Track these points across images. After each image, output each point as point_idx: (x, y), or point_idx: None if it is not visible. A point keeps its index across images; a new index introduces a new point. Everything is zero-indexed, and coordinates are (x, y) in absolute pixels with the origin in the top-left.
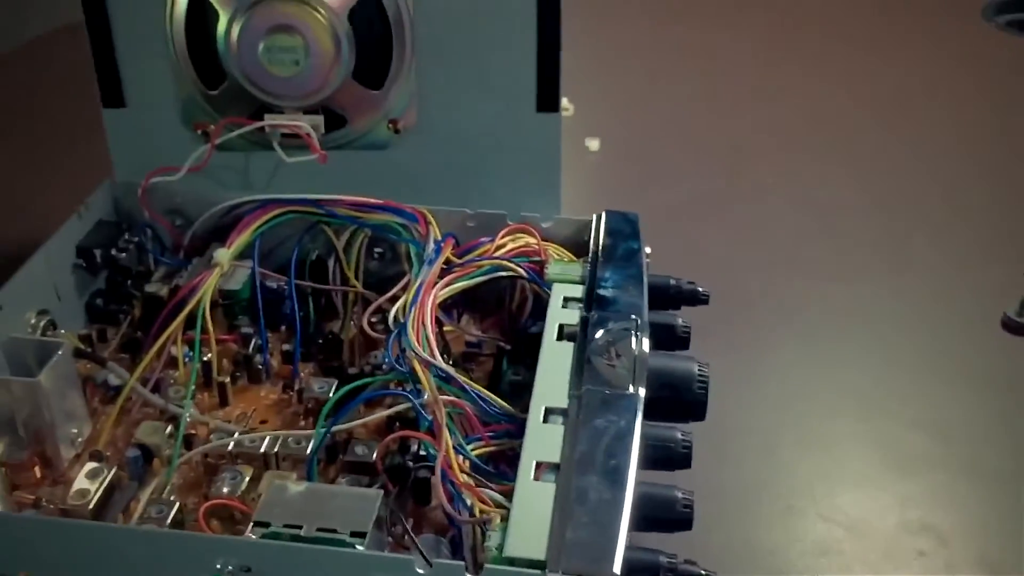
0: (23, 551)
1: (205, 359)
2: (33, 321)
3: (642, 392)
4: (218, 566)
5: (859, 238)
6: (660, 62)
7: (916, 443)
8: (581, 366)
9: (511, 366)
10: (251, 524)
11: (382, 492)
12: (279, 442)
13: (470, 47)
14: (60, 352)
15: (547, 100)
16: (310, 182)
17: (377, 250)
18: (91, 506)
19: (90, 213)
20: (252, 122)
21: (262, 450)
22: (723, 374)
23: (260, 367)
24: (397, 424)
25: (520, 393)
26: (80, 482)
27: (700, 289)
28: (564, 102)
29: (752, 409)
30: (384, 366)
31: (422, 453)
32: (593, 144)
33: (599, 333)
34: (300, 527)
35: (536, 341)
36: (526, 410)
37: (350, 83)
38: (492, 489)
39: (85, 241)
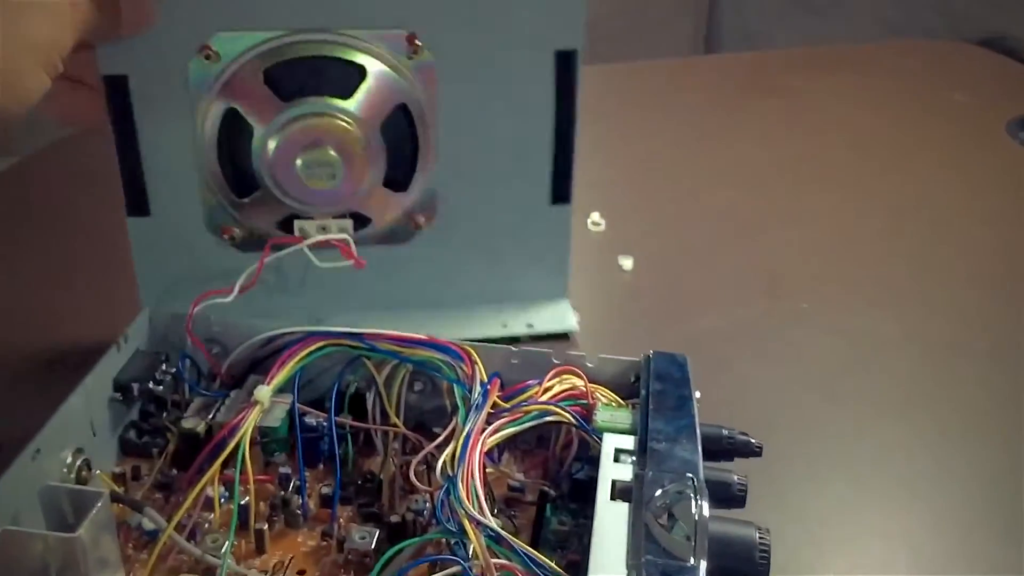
0: None
1: (242, 502)
2: (69, 460)
3: (703, 564)
4: None
5: (899, 370)
6: (694, 179)
7: None
8: (638, 532)
9: (555, 513)
10: None
11: None
12: None
13: (489, 146)
14: (100, 504)
15: (560, 193)
16: (333, 278)
17: (417, 384)
18: None
19: (128, 344)
20: (297, 240)
21: None
22: (771, 521)
23: (298, 511)
24: None
25: (565, 543)
26: None
27: (753, 441)
28: (596, 216)
29: (805, 563)
30: (433, 525)
31: None
32: (627, 263)
33: (656, 493)
34: None
35: (582, 487)
36: (574, 568)
37: (379, 189)
38: None
39: (123, 375)
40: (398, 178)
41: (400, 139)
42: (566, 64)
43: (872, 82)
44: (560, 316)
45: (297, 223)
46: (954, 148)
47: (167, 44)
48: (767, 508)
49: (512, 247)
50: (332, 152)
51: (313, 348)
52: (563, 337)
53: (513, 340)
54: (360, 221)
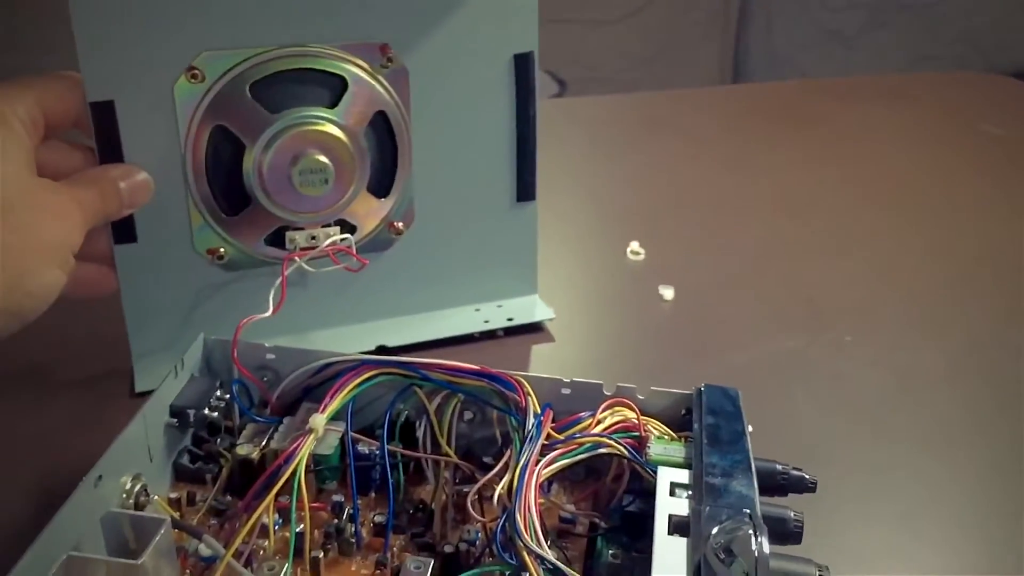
0: None
1: (297, 530)
2: (128, 486)
3: None
4: None
5: (946, 404)
6: (732, 208)
7: None
8: (698, 570)
9: (607, 546)
10: None
11: None
12: None
13: (458, 149)
14: (162, 530)
15: (525, 191)
16: (318, 291)
17: (467, 414)
18: None
19: (184, 370)
20: (308, 251)
21: None
22: (826, 559)
23: (351, 540)
24: None
25: None
26: None
27: (807, 477)
28: (635, 246)
29: None
30: (487, 557)
31: None
32: (668, 293)
33: (714, 530)
34: None
35: (633, 520)
36: None
37: (364, 195)
38: None
39: (179, 401)
40: (381, 183)
41: (381, 145)
42: (523, 66)
43: (905, 113)
44: (535, 308)
45: (288, 235)
46: (990, 180)
47: (153, 66)
48: (821, 545)
49: (484, 247)
50: (323, 158)
51: (366, 376)
52: (539, 327)
53: (491, 333)
54: (345, 229)
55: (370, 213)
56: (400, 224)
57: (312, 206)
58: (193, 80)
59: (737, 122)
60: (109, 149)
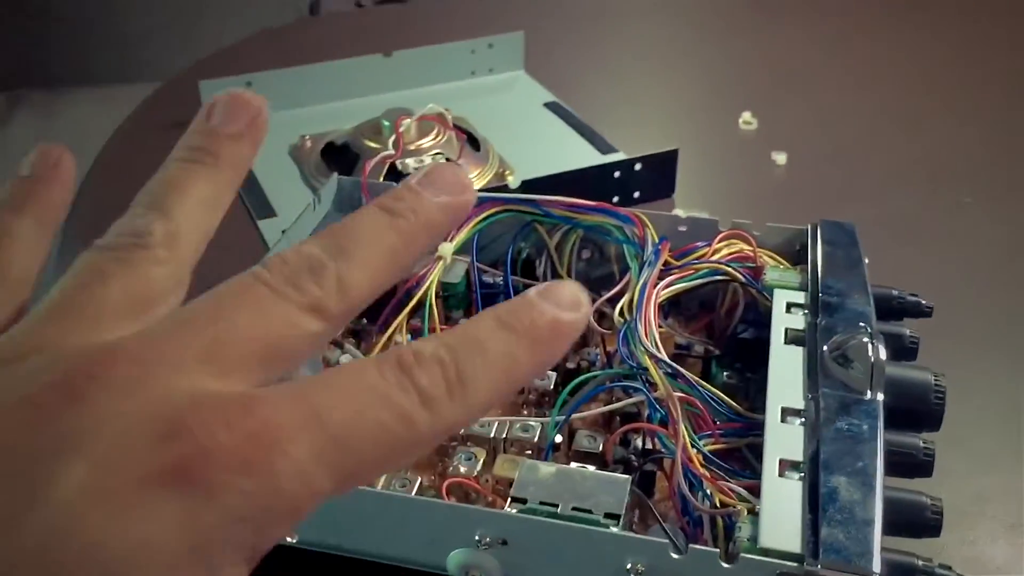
0: None
1: None
2: None
3: (881, 397)
4: (476, 537)
5: None
6: (846, 77)
7: None
8: (814, 370)
9: (721, 369)
10: (509, 499)
11: (630, 478)
12: (508, 428)
13: None
14: None
15: None
16: None
17: (585, 253)
18: None
19: (321, 206)
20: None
21: (492, 435)
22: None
23: None
24: (618, 418)
25: (732, 396)
26: None
27: (923, 301)
28: (747, 115)
29: (972, 425)
30: (615, 362)
31: (647, 447)
32: (780, 158)
33: (831, 338)
34: (556, 505)
35: (747, 346)
36: (748, 411)
37: None
38: (729, 483)
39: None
40: None
41: None
42: None
43: None
44: None
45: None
46: None
47: None
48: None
49: None
50: None
51: (491, 212)
52: None
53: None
54: None
55: None
56: None
57: None
58: None
59: None
60: None
